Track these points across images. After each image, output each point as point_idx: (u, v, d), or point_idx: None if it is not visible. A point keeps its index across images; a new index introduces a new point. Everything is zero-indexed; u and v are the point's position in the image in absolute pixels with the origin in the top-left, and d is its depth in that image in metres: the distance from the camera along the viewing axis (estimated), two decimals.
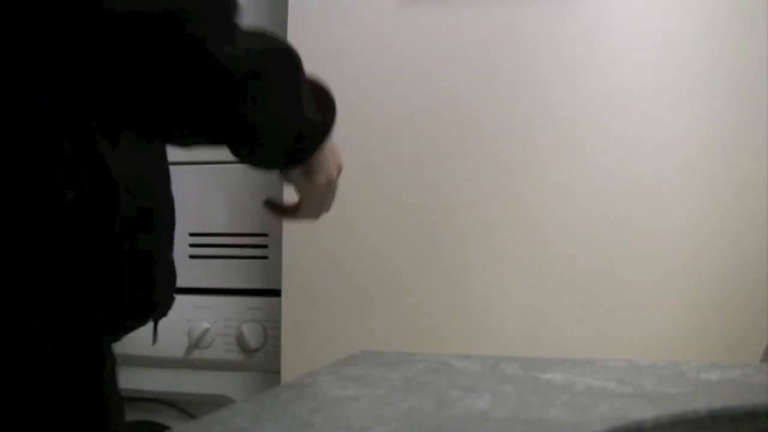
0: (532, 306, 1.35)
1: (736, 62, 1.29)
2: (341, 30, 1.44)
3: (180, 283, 0.84)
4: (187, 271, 1.51)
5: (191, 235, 1.62)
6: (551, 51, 1.36)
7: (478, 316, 1.37)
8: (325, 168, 0.76)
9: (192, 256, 1.62)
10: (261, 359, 1.57)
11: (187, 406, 1.62)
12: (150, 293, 0.75)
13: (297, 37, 1.43)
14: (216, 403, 1.52)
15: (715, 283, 1.29)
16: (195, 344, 1.58)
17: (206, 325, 1.59)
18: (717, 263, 1.29)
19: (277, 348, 1.50)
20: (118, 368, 0.76)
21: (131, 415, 1.14)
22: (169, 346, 1.56)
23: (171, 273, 0.81)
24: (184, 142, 0.65)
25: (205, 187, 1.62)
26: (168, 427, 1.58)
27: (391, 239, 1.41)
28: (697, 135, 1.31)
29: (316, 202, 0.79)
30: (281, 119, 0.66)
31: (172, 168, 1.27)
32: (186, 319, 1.58)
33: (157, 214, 0.77)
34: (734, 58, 1.29)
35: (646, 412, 0.44)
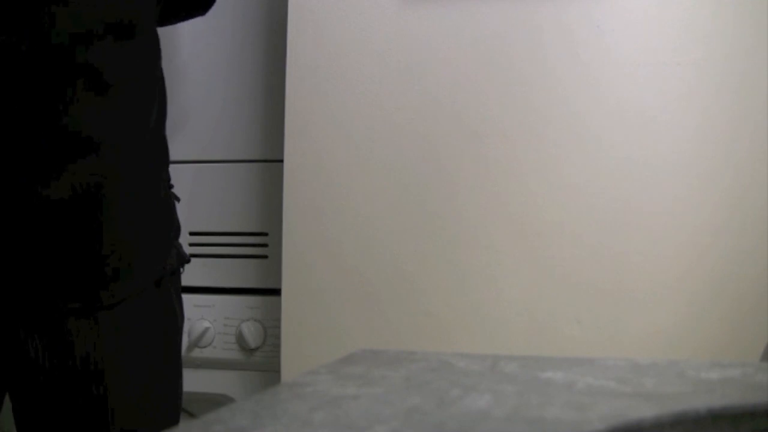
0: (533, 305, 1.35)
1: (752, 60, 1.29)
2: (342, 30, 1.44)
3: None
4: (186, 270, 1.51)
5: (191, 234, 1.62)
6: (560, 50, 1.36)
7: (478, 315, 1.37)
8: None
9: (192, 255, 1.62)
10: (261, 358, 1.57)
11: (187, 405, 1.62)
12: None
13: (297, 37, 1.43)
14: (216, 401, 1.52)
15: (716, 283, 1.29)
16: (195, 343, 1.58)
17: (206, 324, 1.59)
18: (717, 262, 1.29)
19: (277, 347, 1.50)
20: None
21: None
22: None
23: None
24: None
25: (205, 186, 1.62)
26: None
27: (393, 238, 1.41)
28: (701, 135, 1.31)
29: None
30: None
31: (172, 167, 1.27)
32: (186, 317, 1.58)
33: None
34: (752, 56, 1.29)
35: (646, 412, 0.44)
